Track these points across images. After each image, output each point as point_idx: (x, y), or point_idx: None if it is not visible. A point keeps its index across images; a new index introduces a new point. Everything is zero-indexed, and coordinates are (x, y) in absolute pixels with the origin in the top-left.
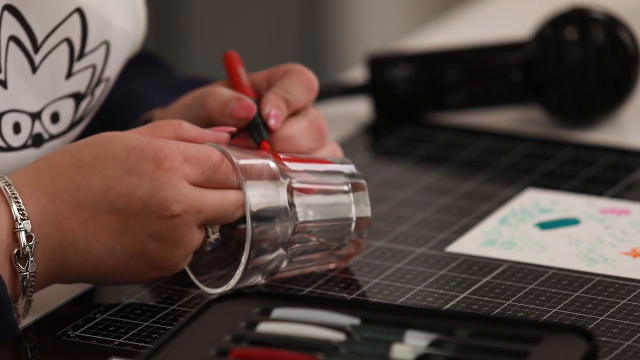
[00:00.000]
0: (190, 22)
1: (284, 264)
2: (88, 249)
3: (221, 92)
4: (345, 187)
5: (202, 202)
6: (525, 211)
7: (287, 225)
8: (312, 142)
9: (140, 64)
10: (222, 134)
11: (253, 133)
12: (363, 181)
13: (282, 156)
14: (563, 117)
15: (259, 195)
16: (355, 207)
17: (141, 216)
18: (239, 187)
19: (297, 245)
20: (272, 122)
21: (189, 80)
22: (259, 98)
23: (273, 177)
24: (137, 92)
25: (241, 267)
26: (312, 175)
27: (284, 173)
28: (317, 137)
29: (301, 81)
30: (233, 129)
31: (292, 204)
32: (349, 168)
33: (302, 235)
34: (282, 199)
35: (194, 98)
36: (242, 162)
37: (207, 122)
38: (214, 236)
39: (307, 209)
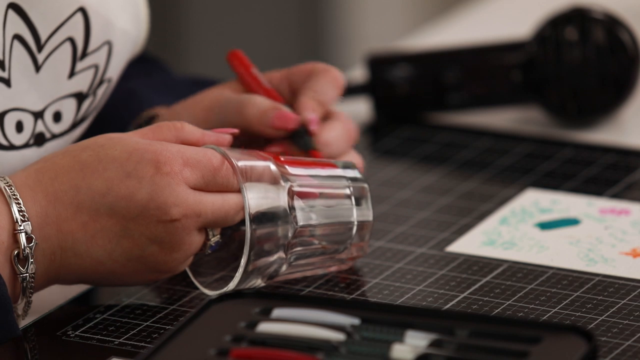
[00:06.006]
0: (190, 22)
1: (284, 267)
2: (87, 251)
3: (259, 101)
4: (347, 191)
5: (201, 206)
6: (525, 211)
7: (287, 229)
8: (345, 146)
9: (139, 64)
10: (224, 135)
11: (298, 141)
12: (365, 185)
13: (282, 159)
14: (563, 117)
15: (259, 198)
16: (357, 210)
17: (140, 219)
18: (240, 191)
19: (298, 248)
20: (314, 128)
21: (187, 80)
22: (286, 101)
23: (274, 180)
24: (135, 92)
25: (240, 270)
26: (313, 178)
27: (284, 176)
28: (350, 141)
29: (330, 80)
30: (236, 130)
31: (292, 208)
32: (351, 172)
33: (303, 239)
34: (283, 202)
35: (219, 103)
36: (242, 164)
37: (243, 130)
38: (214, 239)
39: (308, 212)
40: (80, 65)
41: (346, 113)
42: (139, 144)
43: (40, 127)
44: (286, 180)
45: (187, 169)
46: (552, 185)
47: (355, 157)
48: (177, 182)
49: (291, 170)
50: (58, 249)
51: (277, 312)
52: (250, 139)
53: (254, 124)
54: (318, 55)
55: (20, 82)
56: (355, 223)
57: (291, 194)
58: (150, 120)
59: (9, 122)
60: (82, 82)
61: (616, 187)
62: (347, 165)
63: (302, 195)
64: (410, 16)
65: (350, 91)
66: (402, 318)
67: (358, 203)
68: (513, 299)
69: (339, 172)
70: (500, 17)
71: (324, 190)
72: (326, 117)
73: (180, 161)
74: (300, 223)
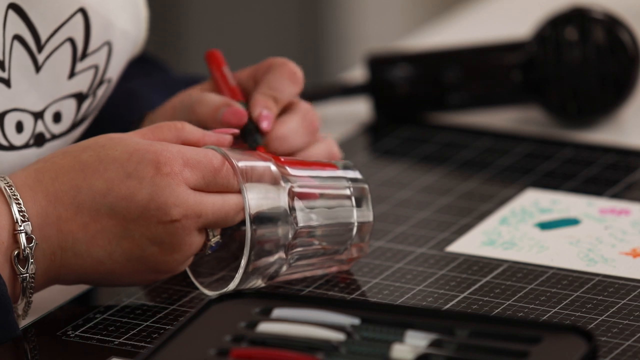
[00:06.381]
0: (190, 22)
1: (284, 268)
2: (88, 252)
3: (211, 99)
4: (347, 192)
5: (202, 206)
6: (525, 211)
7: (287, 229)
8: (305, 138)
9: (139, 64)
10: (224, 136)
11: (247, 138)
12: (365, 185)
13: (283, 159)
14: (563, 117)
15: (259, 198)
16: (357, 211)
17: (141, 220)
18: (240, 191)
19: (298, 249)
20: (264, 125)
21: (186, 80)
22: (247, 98)
23: (274, 181)
24: (135, 92)
25: (240, 271)
26: (313, 179)
27: (285, 177)
28: (310, 132)
29: (285, 74)
30: (236, 131)
31: (292, 208)
32: (352, 172)
33: (303, 240)
34: (283, 202)
35: (181, 103)
36: (243, 165)
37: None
38: (214, 239)
39: (308, 213)
40: (80, 66)
41: (307, 104)
42: (140, 145)
43: (40, 127)
44: (286, 181)
45: (187, 170)
46: (552, 185)
47: (326, 147)
48: (178, 182)
49: (291, 171)
50: (58, 249)
51: (277, 312)
52: None
53: (207, 122)
54: (318, 55)
55: (20, 82)
56: (356, 224)
57: (291, 194)
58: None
59: (9, 122)
60: (82, 83)
61: (616, 187)
62: (348, 166)
63: (303, 196)
64: (410, 16)
65: (350, 91)
66: (402, 318)
67: (358, 204)
68: (513, 299)
69: (339, 172)
70: (500, 17)
71: (324, 191)
72: (286, 110)
73: (181, 162)
74: (301, 224)
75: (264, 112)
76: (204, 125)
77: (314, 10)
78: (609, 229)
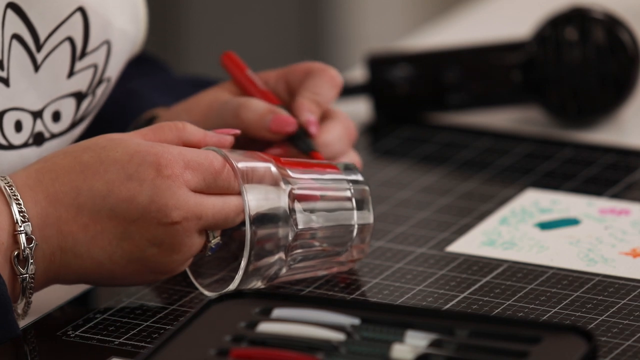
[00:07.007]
0: (190, 22)
1: (284, 270)
2: (88, 253)
3: (256, 105)
4: (348, 194)
5: (202, 208)
6: (525, 211)
7: (287, 230)
8: (346, 146)
9: (139, 64)
10: (225, 136)
11: (298, 144)
12: (366, 187)
13: (283, 160)
14: (563, 117)
15: (259, 199)
16: (358, 213)
17: (141, 222)
18: (240, 193)
19: (298, 250)
20: (313, 130)
21: (187, 80)
22: (283, 102)
23: (274, 182)
24: (136, 91)
25: (240, 272)
26: (314, 181)
27: (285, 179)
28: (350, 141)
29: (327, 80)
30: (237, 131)
31: (292, 210)
32: (353, 174)
33: (304, 241)
34: (283, 204)
35: (223, 105)
36: (243, 166)
37: (242, 133)
38: (214, 241)
39: (308, 215)
40: (79, 65)
41: (345, 112)
42: (141, 146)
43: (39, 126)
44: (287, 182)
45: (188, 172)
46: (552, 185)
47: (354, 157)
48: (178, 185)
49: (292, 172)
50: (58, 249)
51: (277, 312)
52: (249, 142)
53: (252, 128)
54: (318, 55)
55: (19, 81)
56: (356, 226)
57: (292, 196)
58: (149, 122)
59: (8, 121)
60: (81, 82)
61: (616, 187)
62: (349, 167)
63: (303, 198)
64: (410, 16)
65: (350, 91)
66: (402, 318)
67: (359, 206)
68: (513, 299)
69: (340, 174)
70: (500, 17)
71: (325, 193)
72: (325, 116)
73: (182, 164)
74: (300, 226)
75: (311, 117)
76: (249, 131)
77: (314, 10)
78: (609, 229)
